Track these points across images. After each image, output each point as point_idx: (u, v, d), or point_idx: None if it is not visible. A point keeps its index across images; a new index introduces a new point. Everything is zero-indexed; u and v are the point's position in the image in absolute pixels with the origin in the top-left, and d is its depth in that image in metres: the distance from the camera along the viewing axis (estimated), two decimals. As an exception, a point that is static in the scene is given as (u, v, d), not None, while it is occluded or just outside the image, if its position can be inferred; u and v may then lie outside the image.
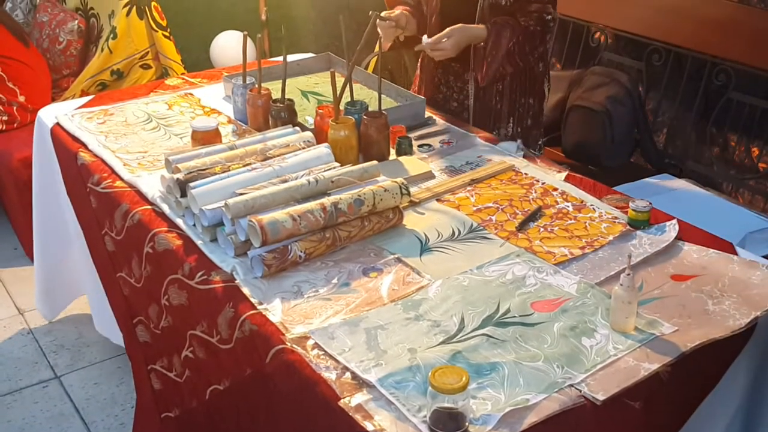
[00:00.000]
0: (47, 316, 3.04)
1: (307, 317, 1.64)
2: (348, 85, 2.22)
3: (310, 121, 2.42)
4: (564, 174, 2.22)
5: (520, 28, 2.52)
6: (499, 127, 2.72)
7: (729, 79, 3.17)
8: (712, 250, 1.86)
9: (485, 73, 2.56)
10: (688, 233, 1.93)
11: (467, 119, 2.71)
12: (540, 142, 2.85)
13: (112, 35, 3.65)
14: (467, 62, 2.63)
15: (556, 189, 2.13)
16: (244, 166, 1.99)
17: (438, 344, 1.55)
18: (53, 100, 3.65)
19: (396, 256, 1.84)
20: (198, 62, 4.32)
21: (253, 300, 1.69)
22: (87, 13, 3.92)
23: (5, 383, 2.79)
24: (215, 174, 1.95)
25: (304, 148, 2.10)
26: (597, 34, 3.65)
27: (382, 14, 2.59)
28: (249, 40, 2.38)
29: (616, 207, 2.05)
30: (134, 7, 3.63)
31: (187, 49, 4.10)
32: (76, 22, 3.85)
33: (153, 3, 3.66)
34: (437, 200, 2.08)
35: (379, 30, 2.56)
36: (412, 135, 2.38)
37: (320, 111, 2.26)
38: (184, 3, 4.54)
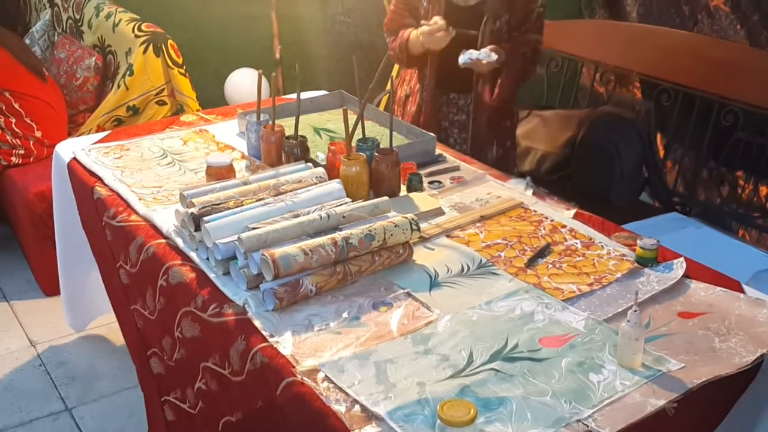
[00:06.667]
0: (77, 329, 3.16)
1: (317, 350, 1.66)
2: (360, 122, 2.25)
3: (322, 157, 2.44)
4: (573, 211, 2.25)
5: (521, 56, 2.79)
6: (486, 151, 2.93)
7: (737, 119, 3.20)
8: (719, 288, 1.88)
9: (497, 96, 2.81)
10: (696, 271, 1.95)
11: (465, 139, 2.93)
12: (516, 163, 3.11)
13: (128, 72, 3.70)
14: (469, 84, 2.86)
15: (564, 226, 2.15)
16: (257, 201, 2.02)
17: (446, 378, 1.57)
18: (69, 134, 3.70)
19: (406, 290, 1.86)
20: (212, 99, 4.37)
21: (264, 333, 1.71)
22: (104, 50, 3.98)
23: (16, 415, 2.80)
24: (229, 209, 1.98)
25: (316, 183, 2.13)
26: (606, 74, 3.70)
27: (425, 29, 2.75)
28: (263, 77, 2.42)
29: (624, 245, 2.07)
30: (151, 45, 3.68)
31: (202, 86, 4.15)
32: (94, 58, 3.91)
33: (169, 41, 3.71)
34: (447, 236, 2.11)
35: (437, 40, 2.73)
36: (422, 171, 2.41)
37: (332, 147, 2.29)
38: (200, 41, 4.61)
